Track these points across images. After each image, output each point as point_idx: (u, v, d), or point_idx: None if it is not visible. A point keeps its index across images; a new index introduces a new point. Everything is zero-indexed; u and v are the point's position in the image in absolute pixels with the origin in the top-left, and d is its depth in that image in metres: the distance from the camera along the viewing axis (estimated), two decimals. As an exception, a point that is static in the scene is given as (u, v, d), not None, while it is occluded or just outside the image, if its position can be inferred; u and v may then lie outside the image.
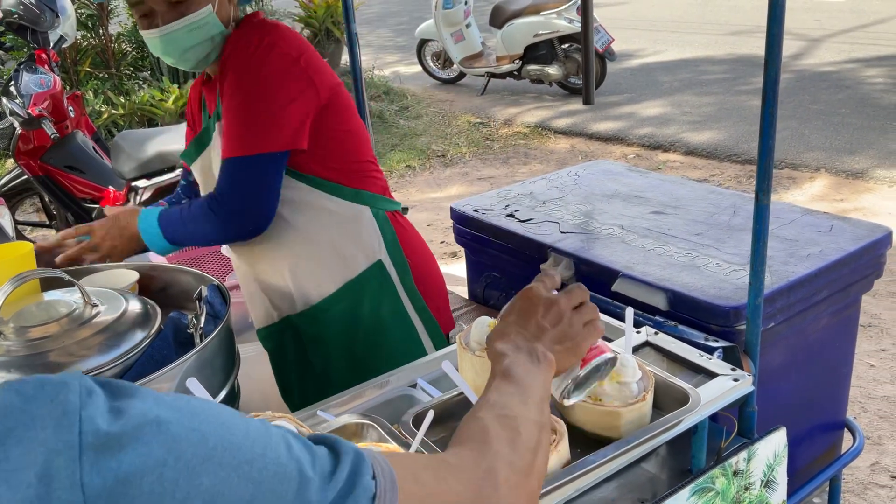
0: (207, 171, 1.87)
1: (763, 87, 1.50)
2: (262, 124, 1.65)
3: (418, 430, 1.29)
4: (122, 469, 0.52)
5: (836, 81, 8.19)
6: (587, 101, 7.96)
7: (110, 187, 4.63)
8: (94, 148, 4.88)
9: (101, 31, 8.02)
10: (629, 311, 1.47)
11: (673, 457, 1.63)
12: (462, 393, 1.43)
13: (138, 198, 4.43)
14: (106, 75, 8.11)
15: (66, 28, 4.85)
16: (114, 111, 7.26)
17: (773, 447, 1.69)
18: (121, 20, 8.71)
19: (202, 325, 1.70)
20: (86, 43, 8.06)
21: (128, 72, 8.44)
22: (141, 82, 8.25)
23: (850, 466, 2.74)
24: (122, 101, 7.39)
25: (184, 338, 1.72)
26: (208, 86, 1.86)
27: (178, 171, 4.30)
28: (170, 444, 0.55)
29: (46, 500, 0.50)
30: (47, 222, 5.30)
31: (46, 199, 5.10)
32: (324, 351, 1.95)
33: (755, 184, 1.56)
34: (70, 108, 4.79)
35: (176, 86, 7.67)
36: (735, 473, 1.63)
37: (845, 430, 2.27)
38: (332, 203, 1.81)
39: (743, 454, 1.64)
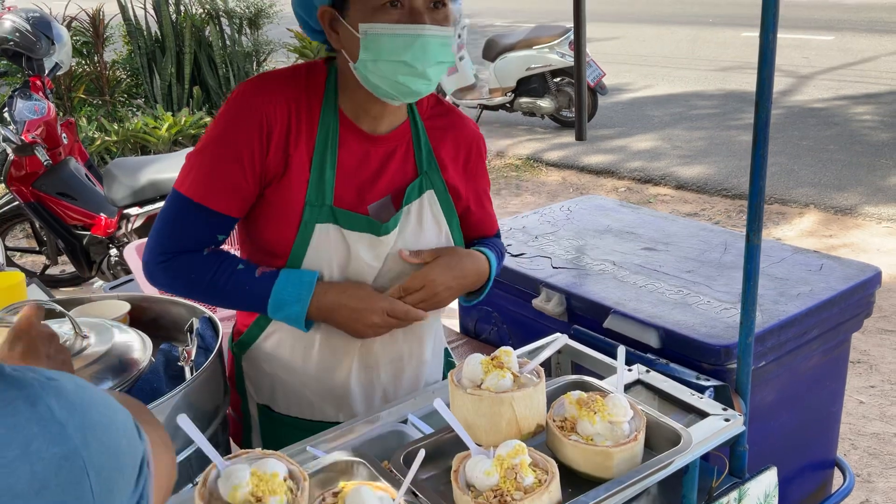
0: (342, 240, 1.56)
1: (754, 129, 1.52)
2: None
3: (409, 468, 1.28)
4: None
5: (825, 118, 8.29)
6: (580, 137, 8.03)
7: (102, 214, 4.63)
8: (86, 175, 4.88)
9: (95, 58, 8.05)
10: (621, 350, 1.47)
11: (664, 496, 1.62)
12: (453, 430, 1.42)
13: (130, 225, 4.42)
14: (100, 102, 8.13)
15: (62, 55, 4.87)
16: (107, 138, 7.27)
17: (763, 487, 1.69)
18: (116, 48, 8.76)
19: (193, 357, 1.70)
20: (80, 69, 8.09)
21: (122, 99, 8.47)
22: (135, 109, 8.27)
23: (841, 505, 2.74)
24: (116, 128, 7.40)
25: (174, 370, 1.71)
26: (378, 140, 1.58)
27: (171, 200, 4.30)
28: None
29: None
30: (37, 248, 5.28)
31: (37, 226, 5.08)
32: None
33: (746, 223, 1.58)
34: (63, 134, 4.80)
35: (170, 114, 7.70)
36: (726, 513, 1.63)
37: (835, 468, 2.26)
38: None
39: (734, 494, 1.63)
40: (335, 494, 1.20)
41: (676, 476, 1.48)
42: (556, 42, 8.07)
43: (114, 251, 4.69)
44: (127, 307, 1.87)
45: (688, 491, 1.56)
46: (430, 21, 1.40)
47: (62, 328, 1.63)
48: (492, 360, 1.37)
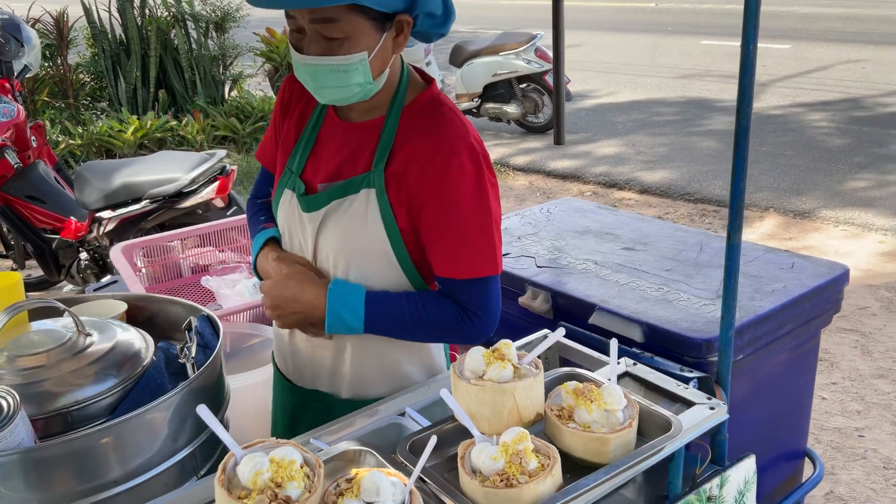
0: (324, 222, 1.65)
1: (735, 134, 1.61)
2: (495, 244, 1.57)
3: (416, 456, 1.34)
4: None
5: (783, 125, 8.51)
6: (558, 142, 8.19)
7: (72, 217, 4.60)
8: (55, 178, 4.84)
9: (59, 60, 7.96)
10: (614, 343, 1.55)
11: (649, 484, 1.70)
12: (455, 420, 1.48)
13: (102, 228, 4.40)
14: (63, 105, 8.04)
15: (31, 58, 4.83)
16: (71, 141, 7.20)
17: (743, 474, 1.77)
18: (79, 50, 8.67)
19: (193, 354, 1.73)
20: (44, 72, 7.99)
21: (85, 102, 8.38)
22: (99, 113, 8.19)
23: (807, 495, 2.85)
24: (80, 131, 7.33)
25: (175, 367, 1.74)
26: (356, 128, 1.66)
27: (144, 203, 4.30)
28: None
29: None
30: (4, 252, 5.22)
31: (4, 229, 5.03)
32: None
33: (728, 223, 1.66)
34: (33, 137, 4.76)
35: (135, 117, 7.64)
36: (709, 499, 1.71)
37: (805, 458, 2.37)
38: None
39: (716, 480, 1.71)
40: (349, 480, 1.25)
41: (661, 465, 1.56)
42: (522, 49, 8.18)
43: (84, 255, 4.66)
44: (124, 306, 1.89)
45: (673, 477, 1.64)
46: (317, 50, 1.48)
47: (64, 326, 1.65)
48: (493, 352, 1.43)
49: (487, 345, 1.50)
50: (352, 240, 1.61)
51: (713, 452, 1.78)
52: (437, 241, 1.57)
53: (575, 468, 1.40)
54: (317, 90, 1.54)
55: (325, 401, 1.78)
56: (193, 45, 8.50)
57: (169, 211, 4.33)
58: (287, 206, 1.70)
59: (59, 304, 1.64)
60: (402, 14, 1.50)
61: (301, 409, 1.84)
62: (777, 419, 2.19)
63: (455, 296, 1.58)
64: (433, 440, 1.24)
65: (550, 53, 8.11)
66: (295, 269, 1.67)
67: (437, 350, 1.82)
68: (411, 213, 1.58)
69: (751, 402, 2.05)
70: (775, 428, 2.19)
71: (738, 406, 2.00)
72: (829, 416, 3.63)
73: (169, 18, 8.42)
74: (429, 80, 1.68)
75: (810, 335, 2.16)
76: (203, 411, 1.24)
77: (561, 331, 1.51)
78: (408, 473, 1.29)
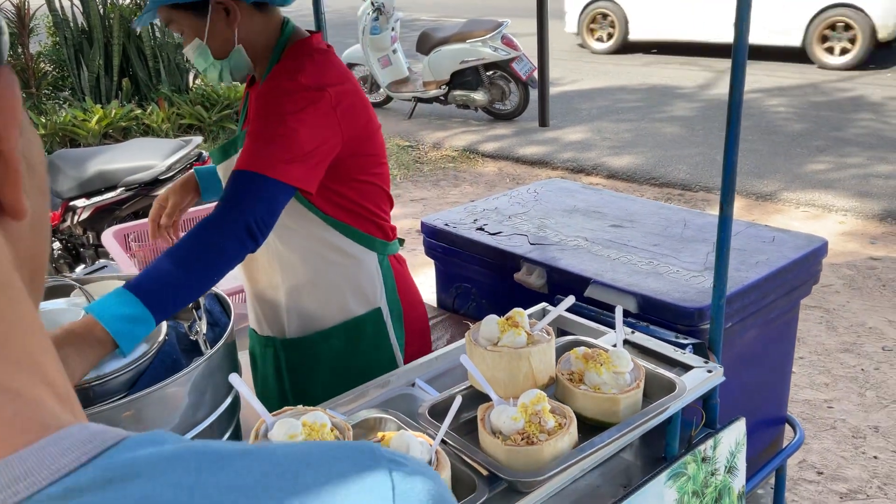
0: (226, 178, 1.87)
1: (728, 110, 1.70)
2: (282, 153, 1.64)
3: (436, 419, 1.40)
4: None
5: (743, 110, 8.69)
6: (543, 124, 8.32)
7: (45, 207, 4.55)
8: (26, 167, 4.77)
9: (20, 49, 7.82)
10: (619, 310, 1.62)
11: (647, 446, 1.79)
12: (465, 388, 1.55)
13: (76, 217, 4.37)
14: (25, 95, 7.90)
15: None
16: (35, 131, 7.08)
17: (734, 436, 1.87)
18: (40, 39, 8.52)
19: (204, 331, 1.77)
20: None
21: (47, 91, 8.25)
22: (62, 102, 8.07)
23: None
24: (43, 121, 7.22)
25: (185, 345, 1.78)
26: (253, 92, 1.89)
27: (120, 190, 4.27)
28: None
29: None
30: (-28, 243, 5.13)
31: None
32: (301, 383, 1.99)
33: (720, 195, 1.74)
34: (2, 126, 4.69)
35: (99, 106, 7.55)
36: (703, 460, 1.80)
37: (786, 425, 2.47)
38: (343, 243, 1.86)
39: (710, 442, 1.80)
40: (378, 442, 1.30)
41: (659, 427, 1.64)
42: (489, 36, 8.23)
43: (56, 244, 4.62)
44: (129, 287, 1.91)
45: (671, 439, 1.72)
46: (184, 45, 1.82)
47: (75, 305, 1.67)
48: (507, 320, 1.50)
49: (473, 322, 1.57)
50: None
51: (706, 416, 1.86)
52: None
53: (587, 428, 1.47)
54: (204, 72, 1.84)
55: (274, 344, 2.00)
56: (157, 33, 8.40)
57: (145, 198, 4.31)
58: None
59: (75, 283, 1.66)
60: None
61: (262, 356, 2.06)
62: (760, 386, 2.29)
63: (225, 191, 1.65)
64: (458, 400, 1.30)
65: (516, 41, 8.18)
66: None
67: (370, 278, 1.93)
68: None
69: (736, 369, 2.14)
70: (759, 394, 2.29)
71: (725, 373, 2.09)
72: (799, 389, 3.76)
73: (132, 6, 8.32)
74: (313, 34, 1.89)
75: (791, 305, 2.26)
76: (235, 379, 1.28)
77: (571, 298, 1.57)
78: (430, 436, 1.34)
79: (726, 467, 1.87)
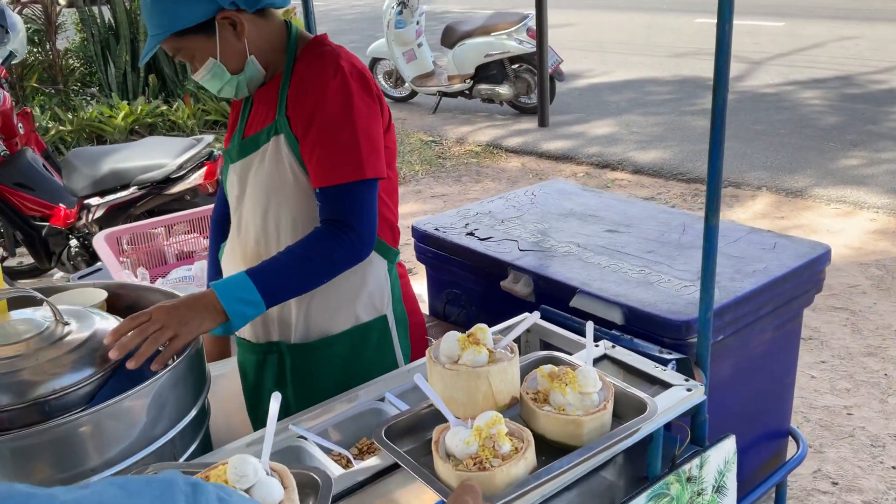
0: (245, 174, 1.88)
1: (712, 113, 1.61)
2: (365, 149, 1.71)
3: (392, 441, 1.35)
4: None
5: (776, 103, 8.49)
6: (542, 123, 8.15)
7: (61, 205, 4.59)
8: (43, 165, 4.82)
9: (48, 46, 7.91)
10: (590, 326, 1.55)
11: (630, 464, 1.71)
12: (432, 405, 1.49)
13: (91, 215, 4.39)
14: (53, 91, 8.00)
15: (16, 44, 4.80)
16: (61, 127, 7.16)
17: (723, 454, 1.78)
18: (68, 35, 8.61)
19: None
20: (32, 58, 7.94)
21: (75, 87, 8.34)
22: (89, 98, 8.15)
23: (794, 474, 2.86)
24: (70, 117, 7.30)
25: (153, 355, 1.74)
26: (261, 93, 1.88)
27: (133, 189, 4.29)
28: None
29: None
30: (-6, 240, 5.21)
31: (-7, 217, 5.01)
32: (307, 388, 1.95)
33: (705, 204, 1.66)
34: (20, 124, 4.74)
35: (125, 102, 7.61)
36: (688, 479, 1.72)
37: (789, 438, 2.38)
38: None
39: (696, 461, 1.72)
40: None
41: (641, 445, 1.57)
42: (513, 29, 8.13)
43: (74, 242, 4.65)
44: (104, 295, 1.89)
45: (652, 459, 1.65)
46: (193, 71, 1.79)
47: (42, 315, 1.65)
48: (468, 336, 1.43)
49: (463, 330, 1.51)
50: (273, 180, 1.81)
51: (693, 433, 1.79)
52: (311, 154, 1.74)
53: (550, 451, 1.40)
54: (218, 93, 1.84)
55: (279, 349, 1.94)
56: (183, 29, 8.43)
57: (157, 197, 4.32)
58: (226, 177, 1.94)
59: (36, 294, 1.63)
60: (216, 16, 1.71)
61: (262, 366, 1.99)
62: (760, 399, 2.20)
63: (328, 207, 1.72)
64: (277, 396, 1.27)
65: (542, 34, 8.08)
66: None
67: (379, 285, 1.92)
68: (302, 144, 1.77)
69: (733, 383, 2.06)
70: (759, 408, 2.20)
71: (721, 386, 2.01)
72: (818, 395, 3.64)
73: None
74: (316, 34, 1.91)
75: (792, 315, 2.16)
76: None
77: (537, 314, 1.51)
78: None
79: (714, 487, 1.79)
